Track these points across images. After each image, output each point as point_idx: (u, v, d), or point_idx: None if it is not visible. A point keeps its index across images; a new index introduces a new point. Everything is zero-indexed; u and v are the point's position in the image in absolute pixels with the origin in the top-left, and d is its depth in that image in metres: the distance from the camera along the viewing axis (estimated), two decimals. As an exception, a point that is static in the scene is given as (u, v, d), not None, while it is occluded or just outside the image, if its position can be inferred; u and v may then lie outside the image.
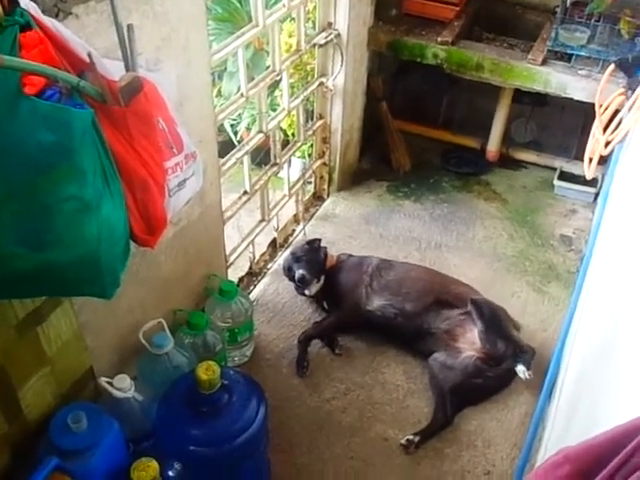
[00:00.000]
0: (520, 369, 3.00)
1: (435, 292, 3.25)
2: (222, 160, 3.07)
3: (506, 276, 3.74)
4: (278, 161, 3.62)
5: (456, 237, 4.01)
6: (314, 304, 3.51)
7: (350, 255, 3.57)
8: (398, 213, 4.18)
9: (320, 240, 3.56)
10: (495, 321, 3.13)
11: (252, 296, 3.54)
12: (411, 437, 2.89)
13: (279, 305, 3.51)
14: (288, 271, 3.46)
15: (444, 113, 4.80)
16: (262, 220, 3.69)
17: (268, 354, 3.24)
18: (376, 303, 3.26)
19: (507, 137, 4.57)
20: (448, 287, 3.31)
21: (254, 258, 3.71)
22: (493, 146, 4.55)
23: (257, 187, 3.46)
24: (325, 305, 3.46)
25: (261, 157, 3.95)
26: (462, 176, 4.51)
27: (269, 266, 3.79)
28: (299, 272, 3.34)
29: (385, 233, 4.02)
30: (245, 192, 3.40)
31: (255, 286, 3.63)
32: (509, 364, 3.05)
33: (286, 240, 3.99)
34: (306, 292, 3.41)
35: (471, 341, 3.10)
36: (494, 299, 3.34)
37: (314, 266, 3.39)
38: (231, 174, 3.17)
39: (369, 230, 4.04)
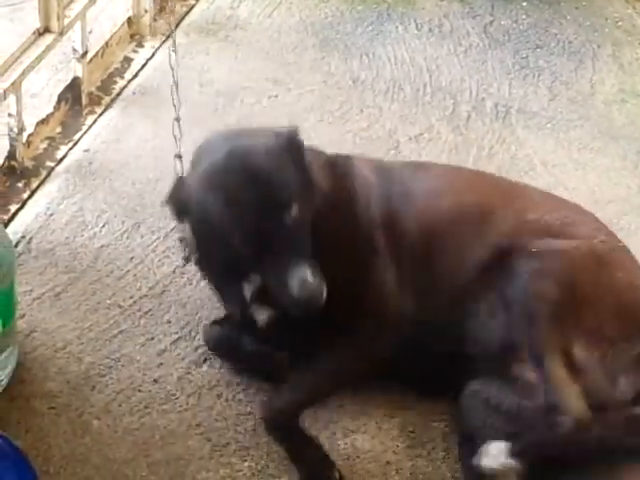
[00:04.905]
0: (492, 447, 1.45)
1: (492, 229, 1.57)
2: None
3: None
4: None
5: (548, 89, 2.19)
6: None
7: (341, 156, 1.69)
8: (401, 23, 2.25)
9: None
10: (530, 302, 1.52)
11: (14, 230, 1.82)
12: None
13: (87, 254, 1.75)
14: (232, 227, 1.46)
15: None
16: (44, 32, 1.97)
17: (55, 379, 1.55)
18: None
19: None
20: (522, 214, 1.60)
21: (21, 131, 2.00)
22: None
23: None
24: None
25: None
26: None
27: (60, 154, 2.01)
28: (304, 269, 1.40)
29: (366, 75, 2.14)
30: None
31: (25, 203, 1.91)
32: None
33: (106, 88, 2.21)
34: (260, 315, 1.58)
35: None
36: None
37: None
38: None
39: (325, 66, 2.13)
